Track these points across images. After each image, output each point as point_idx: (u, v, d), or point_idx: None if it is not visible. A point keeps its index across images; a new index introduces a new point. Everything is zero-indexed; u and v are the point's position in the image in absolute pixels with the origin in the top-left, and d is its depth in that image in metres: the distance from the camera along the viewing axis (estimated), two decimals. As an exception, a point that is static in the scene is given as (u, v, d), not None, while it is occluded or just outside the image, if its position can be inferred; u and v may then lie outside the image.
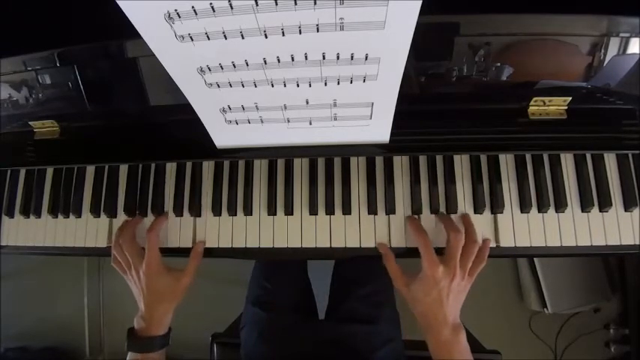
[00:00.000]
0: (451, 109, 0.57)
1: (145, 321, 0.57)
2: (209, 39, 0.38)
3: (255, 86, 0.45)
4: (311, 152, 0.60)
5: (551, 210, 0.57)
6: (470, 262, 0.52)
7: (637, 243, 0.56)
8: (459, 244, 0.52)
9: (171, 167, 0.65)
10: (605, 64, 0.50)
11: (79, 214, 0.67)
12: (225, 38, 0.38)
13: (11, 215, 0.69)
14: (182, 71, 0.43)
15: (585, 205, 0.57)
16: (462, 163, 0.60)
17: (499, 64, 0.50)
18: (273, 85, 0.45)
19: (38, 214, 0.68)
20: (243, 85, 0.45)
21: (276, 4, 0.34)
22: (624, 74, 0.51)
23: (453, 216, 0.58)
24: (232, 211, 0.62)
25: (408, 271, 0.55)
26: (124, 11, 0.35)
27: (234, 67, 0.42)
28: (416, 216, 0.59)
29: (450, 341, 0.51)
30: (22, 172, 0.70)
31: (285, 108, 0.49)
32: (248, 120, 0.51)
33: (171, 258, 0.62)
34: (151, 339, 0.56)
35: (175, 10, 0.35)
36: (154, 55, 0.40)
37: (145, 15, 0.36)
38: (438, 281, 0.51)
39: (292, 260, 0.80)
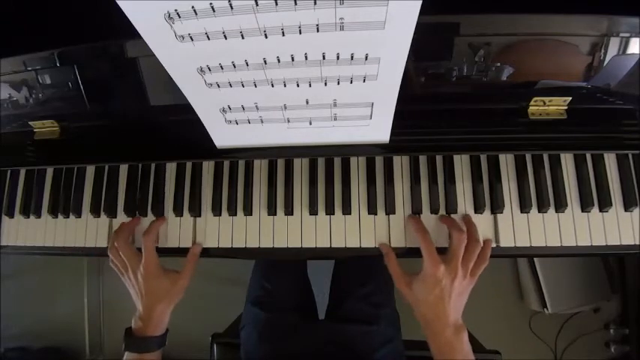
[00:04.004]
0: (451, 109, 0.57)
1: (143, 321, 0.57)
2: (209, 39, 0.38)
3: (255, 86, 0.45)
4: (311, 152, 0.60)
5: (551, 210, 0.57)
6: (472, 262, 0.53)
7: (637, 243, 0.56)
8: (461, 244, 0.52)
9: (171, 167, 0.65)
10: (605, 64, 0.50)
11: (79, 214, 0.67)
12: (225, 38, 0.38)
13: (11, 215, 0.69)
14: (182, 71, 0.43)
15: (585, 205, 0.57)
16: (462, 163, 0.60)
17: (499, 64, 0.50)
18: (273, 85, 0.45)
19: (38, 214, 0.68)
20: (243, 85, 0.45)
21: (276, 4, 0.34)
22: (624, 74, 0.51)
23: (453, 216, 0.58)
24: (232, 211, 0.62)
25: (409, 271, 0.55)
26: (124, 11, 0.35)
27: (234, 67, 0.42)
28: (417, 215, 0.59)
29: (451, 341, 0.51)
30: (22, 172, 0.70)
31: (285, 108, 0.49)
32: (248, 120, 0.51)
33: (171, 258, 0.62)
34: (148, 339, 0.57)
35: (175, 10, 0.35)
36: (154, 55, 0.40)
37: (145, 15, 0.36)
38: (440, 280, 0.51)
39: (292, 260, 0.80)
